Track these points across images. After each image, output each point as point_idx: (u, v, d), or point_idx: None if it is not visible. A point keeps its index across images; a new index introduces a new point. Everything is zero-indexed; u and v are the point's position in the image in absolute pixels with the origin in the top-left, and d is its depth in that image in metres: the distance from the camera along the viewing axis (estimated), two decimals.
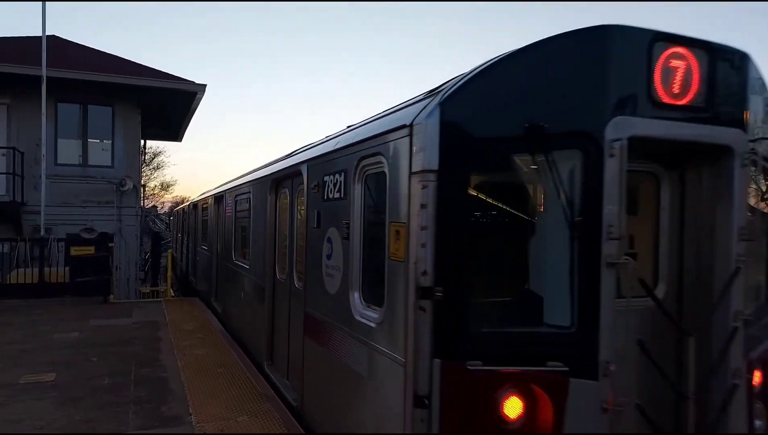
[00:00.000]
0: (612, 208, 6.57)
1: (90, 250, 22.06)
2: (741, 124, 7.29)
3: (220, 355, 14.41)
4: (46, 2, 29.59)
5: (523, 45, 6.69)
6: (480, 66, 6.84)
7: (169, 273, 26.65)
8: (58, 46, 30.44)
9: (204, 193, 26.03)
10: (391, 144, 7.14)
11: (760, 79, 7.67)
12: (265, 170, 13.50)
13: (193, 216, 27.04)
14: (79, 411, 11.06)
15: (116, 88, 27.06)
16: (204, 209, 23.31)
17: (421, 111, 6.73)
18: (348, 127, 9.66)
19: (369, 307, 7.76)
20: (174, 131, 37.01)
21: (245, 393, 11.86)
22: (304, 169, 10.05)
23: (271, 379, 12.09)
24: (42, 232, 24.87)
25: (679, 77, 7.04)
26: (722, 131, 7.19)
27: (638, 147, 6.91)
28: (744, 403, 7.28)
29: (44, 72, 25.42)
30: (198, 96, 28.41)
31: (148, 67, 29.44)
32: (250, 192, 14.27)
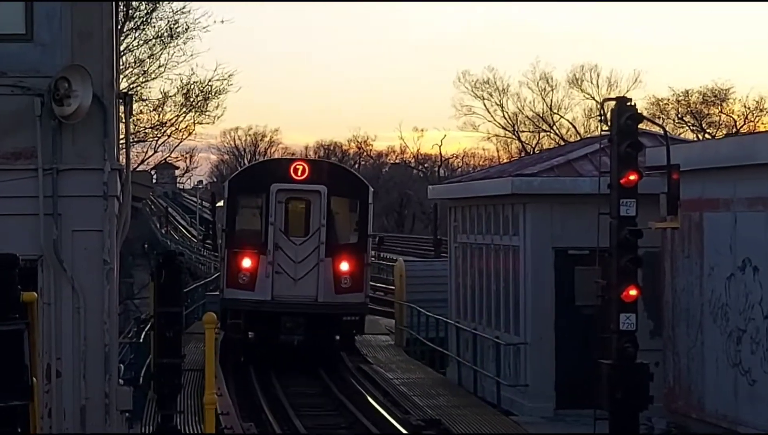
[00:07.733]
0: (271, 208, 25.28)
1: None
2: (324, 184, 25.69)
3: None
4: None
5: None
6: (242, 168, 26.01)
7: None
8: None
9: None
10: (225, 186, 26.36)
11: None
12: None
13: None
14: None
15: None
16: None
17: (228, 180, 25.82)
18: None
19: None
20: None
21: None
22: None
23: None
24: None
25: (300, 171, 25.67)
26: (316, 187, 25.77)
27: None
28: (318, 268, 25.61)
29: None
30: None
31: None
32: None
